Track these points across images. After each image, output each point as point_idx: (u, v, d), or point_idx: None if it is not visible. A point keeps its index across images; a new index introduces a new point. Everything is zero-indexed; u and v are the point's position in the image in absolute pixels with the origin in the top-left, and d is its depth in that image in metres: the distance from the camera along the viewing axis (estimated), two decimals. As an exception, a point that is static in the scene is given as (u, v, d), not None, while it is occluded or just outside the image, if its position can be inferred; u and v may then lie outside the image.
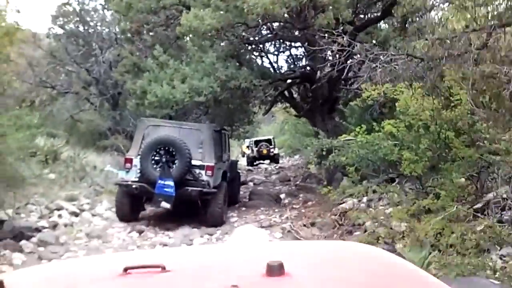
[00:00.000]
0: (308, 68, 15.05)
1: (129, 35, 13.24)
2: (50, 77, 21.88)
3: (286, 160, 32.64)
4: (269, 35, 13.84)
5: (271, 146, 28.99)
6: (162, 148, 9.32)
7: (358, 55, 8.18)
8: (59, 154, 14.43)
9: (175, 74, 10.73)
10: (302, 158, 29.89)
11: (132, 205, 9.76)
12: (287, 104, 23.74)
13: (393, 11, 12.78)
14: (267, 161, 28.58)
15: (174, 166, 9.25)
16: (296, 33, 14.37)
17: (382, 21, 14.47)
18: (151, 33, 13.65)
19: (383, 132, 7.73)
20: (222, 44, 11.75)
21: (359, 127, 8.26)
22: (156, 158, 9.29)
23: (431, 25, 13.16)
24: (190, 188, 9.27)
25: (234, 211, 11.81)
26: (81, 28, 22.39)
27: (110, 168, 16.34)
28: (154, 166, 9.23)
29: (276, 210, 11.39)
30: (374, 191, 9.66)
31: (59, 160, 14.66)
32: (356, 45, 7.88)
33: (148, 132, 9.86)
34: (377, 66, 6.78)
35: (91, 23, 22.30)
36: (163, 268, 1.44)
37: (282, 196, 13.53)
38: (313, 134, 26.79)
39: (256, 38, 12.87)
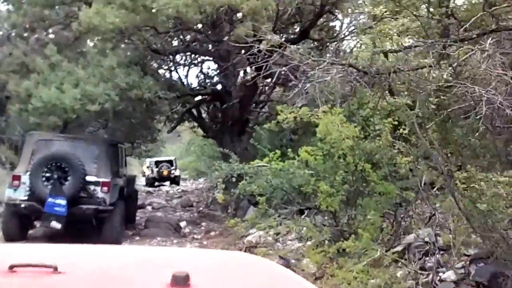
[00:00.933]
0: (219, 86, 14.31)
1: (21, 31, 11.69)
2: None
3: (190, 183, 31.57)
4: (180, 46, 12.95)
5: (172, 167, 28.50)
6: (53, 164, 8.81)
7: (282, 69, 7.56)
8: None
9: (67, 77, 9.46)
10: (207, 182, 29.03)
11: (20, 225, 9.24)
12: (195, 124, 22.92)
13: (310, 34, 12.48)
14: (168, 183, 27.94)
15: (66, 183, 8.77)
16: (210, 47, 13.64)
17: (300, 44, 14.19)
18: (47, 31, 12.20)
19: (298, 159, 7.08)
20: (125, 48, 10.66)
21: (273, 152, 7.56)
22: (47, 174, 8.78)
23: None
24: (84, 206, 8.88)
25: (126, 240, 10.60)
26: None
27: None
28: (45, 183, 8.74)
29: (175, 241, 10.33)
30: (280, 224, 9.03)
31: None
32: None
33: (38, 147, 9.28)
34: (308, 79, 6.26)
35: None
36: (55, 269, 1.33)
37: (183, 224, 12.49)
38: (220, 157, 26.13)
39: (166, 47, 11.91)
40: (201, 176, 30.45)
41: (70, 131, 22.15)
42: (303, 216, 9.13)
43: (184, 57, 14.45)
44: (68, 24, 12.50)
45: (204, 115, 20.83)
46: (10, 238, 9.05)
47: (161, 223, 11.29)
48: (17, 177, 9.11)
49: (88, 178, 8.95)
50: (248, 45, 8.04)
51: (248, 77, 13.58)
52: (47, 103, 8.94)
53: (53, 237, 9.14)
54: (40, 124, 9.89)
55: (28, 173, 8.89)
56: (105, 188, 9.09)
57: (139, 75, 10.01)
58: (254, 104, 14.99)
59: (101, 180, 9.10)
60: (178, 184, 28.04)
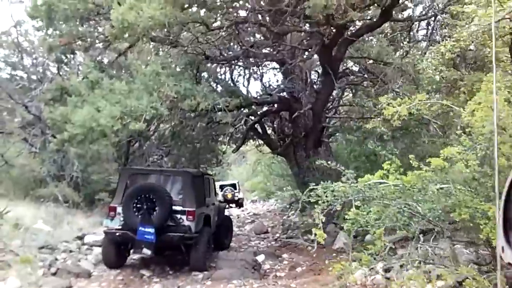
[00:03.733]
0: (285, 92, 12.04)
1: (58, 53, 9.97)
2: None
3: (260, 204, 29.39)
4: (236, 51, 10.82)
5: (235, 191, 28.71)
6: (143, 195, 9.31)
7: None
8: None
9: (108, 95, 7.56)
10: (278, 203, 26.71)
11: (118, 252, 9.81)
12: (260, 141, 20.84)
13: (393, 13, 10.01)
14: (233, 205, 27.57)
15: (155, 212, 9.27)
16: (271, 49, 11.44)
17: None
18: (87, 51, 10.44)
19: (430, 168, 4.63)
20: (172, 53, 8.69)
21: (387, 162, 5.13)
22: (138, 205, 9.29)
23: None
24: (171, 234, 9.30)
25: (196, 284, 8.49)
26: (18, 59, 19.09)
27: (41, 225, 12.79)
28: (136, 213, 9.27)
29: (255, 286, 8.07)
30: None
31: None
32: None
33: (130, 180, 9.92)
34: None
35: (30, 53, 18.99)
36: None
37: (261, 258, 10.23)
38: (290, 175, 23.75)
39: (221, 52, 9.84)
40: (271, 196, 28.26)
41: (133, 162, 20.76)
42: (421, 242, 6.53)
43: (243, 63, 12.19)
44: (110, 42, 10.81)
45: (269, 131, 18.76)
46: (109, 263, 9.82)
47: (236, 261, 9.07)
48: (113, 208, 9.77)
49: (175, 207, 9.42)
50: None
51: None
52: (82, 127, 7.05)
53: (147, 263, 9.90)
54: (83, 156, 7.98)
55: (122, 204, 9.47)
56: (190, 217, 9.51)
57: (190, 80, 7.95)
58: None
59: (186, 209, 9.54)
60: (241, 206, 28.25)
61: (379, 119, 5.90)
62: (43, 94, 11.01)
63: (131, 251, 9.77)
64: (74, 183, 16.38)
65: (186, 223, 9.47)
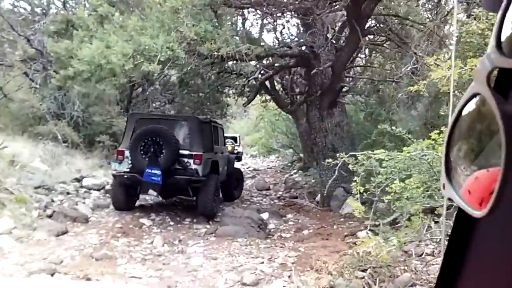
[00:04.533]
0: (304, 47, 11.27)
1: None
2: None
3: (260, 160, 29.00)
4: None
5: (236, 144, 27.52)
6: (149, 138, 9.40)
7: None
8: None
9: (118, 31, 6.84)
10: (279, 160, 26.27)
11: (127, 195, 9.88)
12: (267, 97, 20.18)
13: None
14: None
15: (161, 155, 9.36)
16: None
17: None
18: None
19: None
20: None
21: (436, 132, 4.53)
22: (145, 148, 9.40)
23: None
24: (178, 177, 9.39)
25: (199, 239, 8.09)
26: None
27: (38, 163, 12.29)
28: (143, 156, 9.38)
29: (262, 246, 7.63)
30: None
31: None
32: None
33: (138, 125, 9.88)
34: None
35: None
36: None
37: (265, 216, 9.78)
38: (293, 133, 23.22)
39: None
40: (272, 153, 27.82)
41: (135, 107, 20.14)
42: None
43: (260, 11, 11.26)
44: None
45: (277, 87, 18.06)
46: (118, 206, 9.87)
47: (242, 218, 8.61)
48: (121, 152, 9.86)
49: (182, 151, 9.45)
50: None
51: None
52: (90, 63, 6.36)
53: (148, 212, 9.76)
54: (87, 95, 7.33)
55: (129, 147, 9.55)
56: (197, 161, 9.54)
57: (211, 22, 7.22)
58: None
59: (193, 153, 9.55)
60: (240, 160, 26.93)
61: (424, 82, 5.24)
62: (46, 25, 10.19)
63: (139, 194, 10.03)
64: (74, 123, 15.80)
65: (193, 166, 9.52)
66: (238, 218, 8.63)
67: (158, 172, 9.08)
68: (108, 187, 11.44)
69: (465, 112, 0.55)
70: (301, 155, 22.72)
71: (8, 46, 18.20)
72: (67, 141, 14.76)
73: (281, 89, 17.65)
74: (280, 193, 14.33)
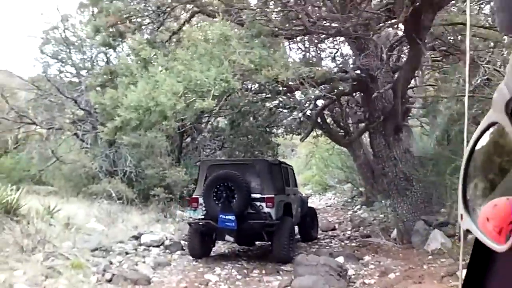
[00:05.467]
0: (360, 71, 10.40)
1: (104, 34, 8.71)
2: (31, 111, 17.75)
3: (316, 199, 27.81)
4: (301, 27, 9.21)
5: None
6: (221, 184, 9.40)
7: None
8: (13, 207, 9.83)
9: (164, 73, 6.19)
10: (337, 196, 24.97)
11: (202, 242, 9.81)
12: (318, 131, 19.28)
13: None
14: None
15: (234, 200, 9.31)
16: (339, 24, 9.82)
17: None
18: (136, 33, 9.15)
19: None
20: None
21: None
22: (218, 194, 9.38)
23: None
24: (252, 221, 9.26)
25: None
26: (67, 53, 18.26)
27: (94, 224, 11.75)
28: (216, 202, 9.36)
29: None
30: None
31: (18, 216, 10.12)
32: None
33: (210, 171, 9.92)
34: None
35: (78, 47, 18.05)
36: None
37: (340, 260, 8.70)
38: (350, 167, 22.03)
39: (284, 25, 8.25)
40: (329, 190, 26.64)
41: (186, 156, 19.66)
42: None
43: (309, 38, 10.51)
44: (162, 22, 9.50)
45: (328, 120, 17.16)
46: (195, 253, 9.78)
47: (318, 266, 7.56)
48: (195, 199, 9.96)
49: (254, 195, 9.39)
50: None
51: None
52: (138, 108, 5.72)
53: (212, 267, 9.14)
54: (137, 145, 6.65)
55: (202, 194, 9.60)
56: (270, 204, 9.43)
57: (266, 49, 6.49)
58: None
59: (265, 196, 9.46)
60: None
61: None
62: (90, 81, 9.81)
63: (215, 240, 9.98)
64: (128, 179, 15.33)
65: (266, 210, 9.38)
66: (313, 266, 7.58)
67: (232, 217, 8.99)
68: (167, 242, 10.74)
69: (482, 141, 0.53)
70: (361, 189, 21.48)
71: (57, 109, 18.28)
72: (122, 198, 14.24)
73: (332, 121, 16.70)
74: (349, 232, 13.19)
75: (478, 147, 0.52)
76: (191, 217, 10.03)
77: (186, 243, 10.20)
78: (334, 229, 13.93)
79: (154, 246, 10.54)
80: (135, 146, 13.37)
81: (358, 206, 17.96)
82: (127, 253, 9.69)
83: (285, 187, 10.49)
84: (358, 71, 10.29)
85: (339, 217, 16.71)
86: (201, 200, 9.72)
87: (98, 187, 14.57)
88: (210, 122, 20.70)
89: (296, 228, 11.19)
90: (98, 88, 8.68)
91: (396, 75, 10.42)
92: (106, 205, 13.40)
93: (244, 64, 5.89)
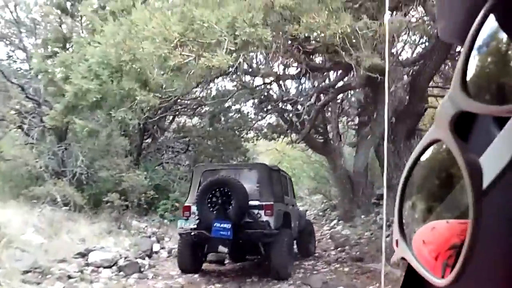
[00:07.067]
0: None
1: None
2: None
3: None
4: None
5: None
6: (217, 190, 8.62)
7: None
8: None
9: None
10: (304, 208, 22.71)
11: (193, 255, 8.90)
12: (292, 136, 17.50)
13: None
14: None
15: (230, 207, 8.48)
16: None
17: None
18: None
19: None
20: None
21: None
22: (213, 200, 8.58)
23: None
24: (249, 231, 8.40)
25: None
26: (18, 35, 15.66)
27: (31, 235, 9.34)
28: (210, 209, 8.55)
29: None
30: None
31: None
32: None
33: (204, 177, 9.20)
34: None
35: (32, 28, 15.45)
36: None
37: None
38: (324, 177, 20.26)
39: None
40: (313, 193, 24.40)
41: (145, 159, 17.31)
42: None
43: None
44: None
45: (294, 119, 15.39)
46: (184, 268, 8.99)
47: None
48: (187, 208, 9.17)
49: (251, 202, 8.64)
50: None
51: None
52: (102, 66, 3.58)
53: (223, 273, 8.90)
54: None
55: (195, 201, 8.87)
56: (268, 211, 8.71)
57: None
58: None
59: (263, 203, 8.74)
60: None
61: None
62: (36, 49, 7.51)
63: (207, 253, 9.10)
64: (77, 181, 12.90)
65: (264, 218, 8.58)
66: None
67: (228, 225, 8.15)
68: (121, 262, 8.52)
69: (422, 159, 0.49)
70: (334, 202, 19.71)
71: (1, 98, 15.63)
72: (69, 204, 11.81)
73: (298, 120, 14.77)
74: (333, 253, 11.28)
75: (417, 165, 0.47)
76: (181, 227, 9.00)
77: (176, 255, 9.34)
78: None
79: (105, 267, 8.29)
80: (92, 134, 10.91)
81: (335, 221, 16.14)
82: (69, 277, 7.40)
83: (284, 196, 9.66)
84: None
85: (315, 233, 14.80)
86: (193, 209, 8.87)
87: (41, 190, 12.04)
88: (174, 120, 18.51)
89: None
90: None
91: (408, 70, 8.65)
92: (49, 211, 10.97)
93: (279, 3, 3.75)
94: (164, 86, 4.77)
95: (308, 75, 7.29)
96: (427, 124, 10.50)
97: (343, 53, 5.21)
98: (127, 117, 5.19)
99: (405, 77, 8.33)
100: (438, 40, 7.59)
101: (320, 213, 19.32)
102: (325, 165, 19.07)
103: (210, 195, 8.63)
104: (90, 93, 4.28)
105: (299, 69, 7.81)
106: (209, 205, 8.60)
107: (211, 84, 14.04)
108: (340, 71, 8.61)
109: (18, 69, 16.29)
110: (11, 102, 14.81)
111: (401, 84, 8.11)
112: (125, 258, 8.73)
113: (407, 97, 8.13)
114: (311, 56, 5.91)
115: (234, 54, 3.97)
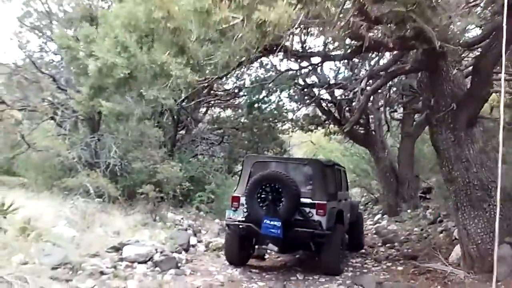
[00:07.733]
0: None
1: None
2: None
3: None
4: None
5: None
6: (268, 185, 8.16)
7: None
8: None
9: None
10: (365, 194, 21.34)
11: (241, 248, 8.71)
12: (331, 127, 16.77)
13: None
14: None
15: (281, 204, 8.03)
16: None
17: None
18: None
19: None
20: None
21: None
22: (263, 195, 8.17)
23: None
24: (300, 229, 7.95)
25: None
26: (49, 27, 15.30)
27: (62, 228, 8.87)
28: (260, 204, 8.16)
29: None
30: None
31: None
32: None
33: (255, 169, 8.86)
34: None
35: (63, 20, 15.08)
36: None
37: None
38: (366, 171, 19.33)
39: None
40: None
41: (179, 150, 16.79)
42: None
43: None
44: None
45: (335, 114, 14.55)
46: (232, 259, 8.80)
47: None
48: (236, 198, 8.78)
49: (303, 200, 8.15)
50: None
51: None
52: (134, 29, 2.94)
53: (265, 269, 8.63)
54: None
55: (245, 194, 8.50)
56: (321, 211, 8.15)
57: None
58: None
59: (316, 202, 8.19)
60: None
61: None
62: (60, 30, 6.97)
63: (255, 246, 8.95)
64: (111, 173, 12.42)
65: (316, 218, 8.12)
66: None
67: (278, 223, 7.82)
68: (157, 257, 7.95)
69: None
70: (376, 195, 18.83)
71: (34, 89, 15.35)
72: (102, 195, 11.37)
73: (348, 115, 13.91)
74: (382, 249, 10.49)
75: None
76: (230, 218, 8.69)
77: (224, 247, 9.17)
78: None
79: (139, 262, 7.73)
80: (121, 118, 10.43)
81: (379, 216, 15.29)
82: (102, 273, 6.84)
83: (337, 192, 9.22)
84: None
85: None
86: (242, 200, 8.56)
87: (74, 181, 11.63)
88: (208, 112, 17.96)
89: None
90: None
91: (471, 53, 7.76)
92: (82, 203, 10.51)
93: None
94: (202, 58, 4.11)
95: (361, 54, 6.54)
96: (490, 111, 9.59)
97: (420, 19, 4.43)
98: (160, 96, 4.56)
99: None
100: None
101: (361, 207, 18.44)
102: (365, 157, 18.19)
103: (261, 190, 8.27)
104: (117, 68, 3.71)
105: (349, 49, 7.01)
106: (259, 200, 8.25)
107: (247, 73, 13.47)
108: (395, 52, 7.77)
109: (51, 61, 15.96)
110: (43, 93, 14.52)
111: (470, 63, 7.25)
112: (161, 252, 8.15)
113: (472, 81, 7.25)
114: (373, 27, 5.12)
115: (299, 5, 3.28)
